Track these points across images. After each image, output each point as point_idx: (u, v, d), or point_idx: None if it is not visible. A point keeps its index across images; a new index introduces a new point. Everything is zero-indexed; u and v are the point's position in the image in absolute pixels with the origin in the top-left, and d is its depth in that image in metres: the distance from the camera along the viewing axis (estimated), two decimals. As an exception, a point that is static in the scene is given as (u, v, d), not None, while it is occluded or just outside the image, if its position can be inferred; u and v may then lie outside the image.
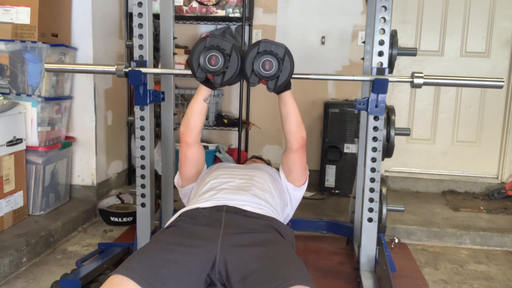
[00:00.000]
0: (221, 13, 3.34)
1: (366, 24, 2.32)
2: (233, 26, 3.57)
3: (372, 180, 1.91)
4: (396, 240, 2.71)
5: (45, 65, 1.92)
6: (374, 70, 1.84)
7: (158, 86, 2.33)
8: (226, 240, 1.37)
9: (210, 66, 1.47)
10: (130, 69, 1.86)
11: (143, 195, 2.04)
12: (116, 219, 2.82)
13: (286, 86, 1.65)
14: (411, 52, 2.10)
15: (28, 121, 2.54)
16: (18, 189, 2.48)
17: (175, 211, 2.23)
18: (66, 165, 2.86)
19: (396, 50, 1.99)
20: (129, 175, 3.49)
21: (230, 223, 1.46)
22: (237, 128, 3.45)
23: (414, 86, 1.76)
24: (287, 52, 1.52)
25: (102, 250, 2.32)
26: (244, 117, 3.62)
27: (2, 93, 2.50)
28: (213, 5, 3.34)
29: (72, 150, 2.91)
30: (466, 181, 3.55)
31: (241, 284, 1.26)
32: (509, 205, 3.22)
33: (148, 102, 1.94)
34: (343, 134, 3.30)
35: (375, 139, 1.87)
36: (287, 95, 1.67)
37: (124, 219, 2.81)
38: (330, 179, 3.36)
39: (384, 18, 1.82)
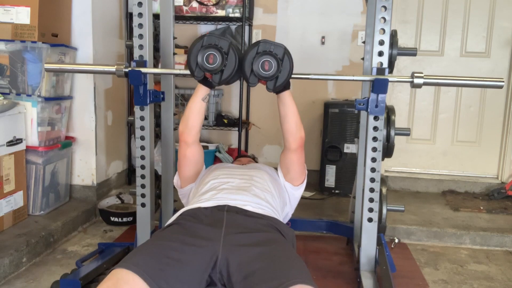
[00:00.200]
0: (221, 13, 3.34)
1: (366, 24, 2.32)
2: (233, 26, 3.57)
3: (372, 180, 1.91)
4: (396, 240, 2.71)
5: (45, 65, 1.92)
6: (374, 70, 1.84)
7: (158, 86, 2.33)
8: (228, 239, 1.37)
9: (208, 65, 1.47)
10: (130, 69, 1.86)
11: (143, 195, 2.04)
12: (116, 219, 2.82)
13: (285, 86, 1.65)
14: (411, 52, 2.10)
15: (28, 121, 2.54)
16: (18, 189, 2.48)
17: (175, 211, 2.24)
18: (66, 165, 2.86)
19: (396, 50, 1.98)
20: (129, 175, 3.49)
21: (231, 222, 1.46)
22: (237, 128, 3.45)
23: (414, 86, 1.76)
24: (286, 52, 1.52)
25: (102, 250, 2.32)
26: (244, 117, 3.62)
27: (2, 93, 2.50)
28: (213, 5, 3.34)
29: (72, 150, 2.91)
30: (466, 181, 3.55)
31: (243, 284, 1.26)
32: (509, 205, 3.22)
33: (148, 102, 1.94)
34: (343, 134, 3.30)
35: (375, 139, 1.87)
36: (286, 95, 1.68)
37: (124, 219, 2.81)
38: (330, 179, 3.36)
39: (384, 18, 1.82)
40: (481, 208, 3.15)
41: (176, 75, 3.05)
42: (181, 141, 1.74)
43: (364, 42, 2.31)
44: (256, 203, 1.60)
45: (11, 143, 2.41)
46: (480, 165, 3.60)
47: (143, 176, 2.02)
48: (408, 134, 2.16)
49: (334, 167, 3.34)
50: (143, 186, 2.02)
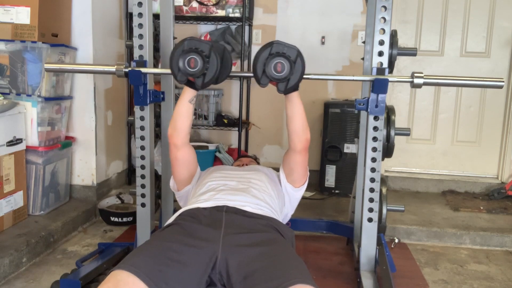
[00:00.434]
0: (221, 13, 3.34)
1: (366, 24, 2.32)
2: (233, 26, 3.57)
3: (372, 180, 1.91)
4: (396, 240, 2.71)
5: (45, 65, 1.92)
6: (374, 70, 1.84)
7: (158, 86, 2.33)
8: (227, 240, 1.37)
9: (189, 69, 1.47)
10: (130, 69, 1.86)
11: (143, 195, 2.04)
12: (116, 219, 2.82)
13: (294, 88, 1.65)
14: (411, 52, 2.10)
15: (28, 121, 2.54)
16: (18, 189, 2.48)
17: (175, 211, 2.23)
18: (66, 165, 2.86)
19: (396, 50, 1.98)
20: (129, 175, 3.49)
21: (230, 223, 1.46)
22: (237, 128, 3.45)
23: (414, 86, 1.76)
24: (299, 54, 1.52)
25: (102, 250, 2.32)
26: (244, 117, 3.62)
27: (2, 93, 2.50)
28: (213, 5, 3.34)
29: (72, 150, 2.91)
30: (466, 181, 3.55)
31: (242, 284, 1.26)
32: (509, 205, 3.22)
33: (148, 102, 1.94)
34: (343, 134, 3.30)
35: (375, 139, 1.87)
36: (294, 95, 1.66)
37: (124, 219, 2.81)
38: (330, 179, 3.36)
39: (384, 18, 1.82)
40: (481, 208, 3.15)
41: (176, 75, 3.05)
42: (170, 144, 1.73)
43: (364, 42, 2.31)
44: (255, 203, 1.60)
45: (11, 143, 2.41)
46: (480, 165, 3.60)
47: (143, 176, 2.02)
48: (408, 134, 2.15)
49: (334, 167, 3.34)
50: (143, 186, 2.02)
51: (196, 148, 3.52)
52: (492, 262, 2.52)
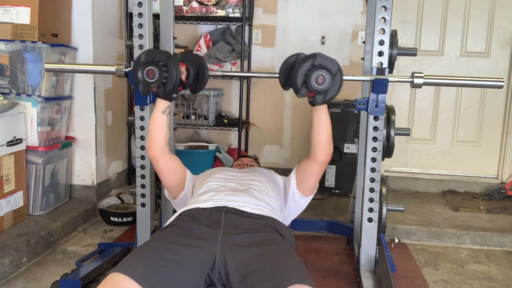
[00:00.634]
0: (221, 13, 3.34)
1: (366, 24, 2.32)
2: (233, 26, 3.57)
3: (372, 180, 1.91)
4: (396, 240, 2.71)
5: (45, 65, 1.92)
6: (374, 70, 1.84)
7: (158, 86, 2.33)
8: (226, 240, 1.37)
9: (148, 80, 1.49)
10: (130, 69, 1.86)
11: (143, 195, 2.04)
12: (116, 219, 2.82)
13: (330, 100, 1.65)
14: (411, 52, 2.10)
15: (28, 121, 2.54)
16: (18, 189, 2.48)
17: (174, 211, 2.23)
18: (66, 165, 2.86)
19: (396, 50, 1.98)
20: (129, 175, 3.48)
21: (229, 223, 1.46)
22: (237, 128, 3.45)
23: (414, 86, 1.76)
24: (339, 69, 1.52)
25: (102, 250, 2.32)
26: (244, 117, 3.62)
27: (2, 93, 2.50)
28: (213, 5, 3.34)
29: (72, 150, 2.91)
30: (466, 181, 3.55)
31: (241, 284, 1.26)
32: (509, 205, 3.22)
33: (148, 102, 1.94)
34: (343, 134, 3.29)
35: (375, 139, 1.87)
36: (323, 107, 1.65)
37: (124, 219, 2.81)
38: (330, 179, 3.36)
39: (384, 18, 1.82)
40: (481, 208, 3.14)
41: (176, 75, 3.05)
42: (149, 156, 1.71)
43: (364, 42, 2.31)
44: (255, 204, 1.60)
45: (11, 143, 2.41)
46: (480, 165, 3.59)
47: (143, 176, 2.02)
48: (408, 134, 2.15)
49: (334, 167, 3.33)
50: (143, 186, 2.02)
51: (196, 148, 3.55)
52: (492, 262, 2.52)
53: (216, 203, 1.57)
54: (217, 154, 3.47)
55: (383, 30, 1.83)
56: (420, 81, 1.74)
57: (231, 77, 3.38)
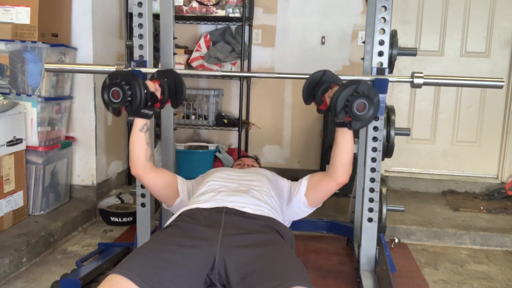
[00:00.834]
0: (221, 13, 3.34)
1: (366, 24, 2.32)
2: (233, 26, 3.56)
3: (372, 180, 1.91)
4: (396, 240, 2.71)
5: (45, 65, 1.93)
6: (374, 70, 1.84)
7: (158, 86, 2.33)
8: (226, 240, 1.37)
9: (114, 100, 1.53)
10: (130, 69, 1.86)
11: (143, 195, 2.04)
12: (116, 219, 2.82)
13: None
14: (411, 52, 2.10)
15: (28, 121, 2.54)
16: (18, 189, 2.48)
17: (175, 211, 2.23)
18: (66, 165, 2.86)
19: (396, 50, 1.99)
20: (129, 175, 3.48)
21: (229, 224, 1.46)
22: (237, 128, 3.45)
23: (414, 86, 1.76)
24: (378, 98, 1.54)
25: (102, 250, 2.32)
26: (244, 117, 3.62)
27: (2, 93, 2.50)
28: (213, 5, 3.34)
29: (72, 150, 2.91)
30: (466, 181, 3.55)
31: (241, 285, 1.26)
32: (509, 205, 3.22)
33: (148, 102, 1.93)
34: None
35: (375, 139, 1.87)
36: (349, 131, 1.66)
37: (124, 219, 2.81)
38: (330, 179, 3.35)
39: (384, 18, 1.82)
40: (481, 208, 3.15)
41: (176, 75, 3.04)
42: (134, 174, 1.73)
43: (364, 42, 2.31)
44: (255, 204, 1.60)
45: (11, 143, 2.41)
46: (480, 165, 3.59)
47: (143, 176, 2.02)
48: (408, 134, 2.16)
49: (334, 167, 3.33)
50: (143, 186, 2.02)
51: (196, 148, 3.55)
52: (492, 262, 2.52)
53: (216, 203, 1.57)
54: (217, 154, 3.47)
55: (383, 30, 1.83)
56: (420, 81, 1.74)
57: (231, 77, 3.38)
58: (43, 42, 2.51)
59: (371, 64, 1.86)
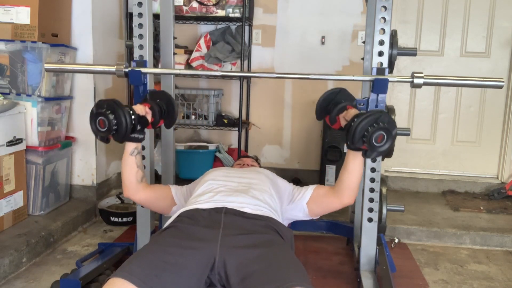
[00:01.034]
0: (221, 13, 3.34)
1: (366, 24, 2.32)
2: (233, 26, 3.56)
3: (372, 180, 1.91)
4: (396, 240, 2.71)
5: (45, 65, 1.92)
6: (374, 70, 1.84)
7: (158, 86, 2.33)
8: (226, 241, 1.37)
9: (101, 129, 1.56)
10: (130, 69, 1.86)
11: (143, 195, 2.03)
12: (116, 219, 2.82)
13: None
14: (411, 52, 2.10)
15: (28, 121, 2.54)
16: (18, 189, 2.48)
17: (175, 211, 2.23)
18: (66, 165, 2.86)
19: (396, 50, 1.99)
20: (129, 175, 3.48)
21: (229, 224, 1.46)
22: (237, 128, 3.45)
23: (414, 86, 1.76)
24: (396, 130, 1.55)
25: (102, 250, 2.32)
26: (244, 117, 3.62)
27: (2, 93, 2.50)
28: (213, 5, 3.34)
29: (72, 150, 2.91)
30: (466, 181, 3.55)
31: (241, 286, 1.26)
32: (509, 205, 3.23)
33: (148, 102, 1.93)
34: (343, 134, 3.28)
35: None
36: (360, 153, 1.66)
37: (124, 219, 2.81)
38: (330, 179, 3.36)
39: (384, 18, 1.83)
40: (481, 208, 3.15)
41: (176, 75, 3.05)
42: (127, 196, 1.77)
43: (364, 42, 2.31)
44: (255, 204, 1.60)
45: (11, 143, 2.41)
46: (480, 165, 3.59)
47: (143, 176, 2.02)
48: (408, 134, 2.16)
49: (334, 167, 3.33)
50: (143, 186, 2.02)
51: (196, 148, 3.55)
52: (492, 262, 2.52)
53: (215, 203, 1.57)
54: (217, 154, 3.47)
55: (383, 30, 1.83)
56: (420, 81, 1.74)
57: (231, 77, 3.38)
58: (43, 42, 2.51)
59: (371, 64, 1.86)
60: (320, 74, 1.88)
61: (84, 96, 2.89)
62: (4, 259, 2.08)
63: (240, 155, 3.42)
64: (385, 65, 1.84)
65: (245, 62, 3.55)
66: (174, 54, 2.25)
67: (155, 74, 2.07)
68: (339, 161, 3.31)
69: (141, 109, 1.65)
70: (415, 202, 3.28)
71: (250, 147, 3.73)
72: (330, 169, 3.35)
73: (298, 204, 1.78)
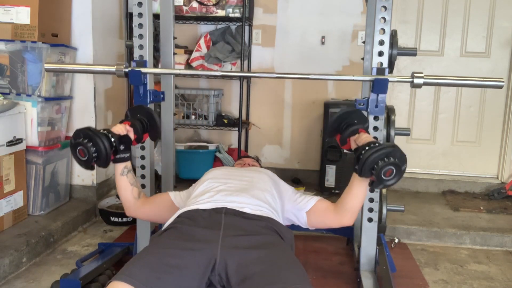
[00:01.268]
0: (221, 13, 3.34)
1: (366, 24, 2.32)
2: (233, 26, 3.57)
3: (372, 180, 1.91)
4: (396, 240, 2.71)
5: (45, 65, 1.93)
6: (374, 70, 1.84)
7: (158, 86, 2.33)
8: (226, 242, 1.37)
9: (82, 158, 1.56)
10: (130, 69, 1.86)
11: (143, 195, 2.03)
12: (116, 219, 2.82)
13: None
14: (411, 52, 2.10)
15: (28, 121, 2.54)
16: (18, 189, 2.48)
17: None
18: (66, 165, 2.86)
19: (396, 50, 1.99)
20: (129, 175, 3.48)
21: (229, 225, 1.45)
22: (237, 128, 3.45)
23: (414, 86, 1.76)
24: (406, 166, 1.55)
25: (102, 250, 2.32)
26: (244, 117, 3.62)
27: (2, 93, 2.50)
28: (213, 5, 3.34)
29: (72, 150, 2.91)
30: (466, 181, 3.55)
31: (241, 287, 1.26)
32: (509, 205, 3.22)
33: (148, 102, 1.94)
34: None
35: (375, 139, 1.87)
36: (367, 180, 1.66)
37: (124, 219, 2.81)
38: (330, 179, 3.36)
39: (384, 18, 1.83)
40: (481, 208, 3.15)
41: (176, 75, 3.05)
42: (129, 214, 1.79)
43: (364, 42, 2.31)
44: (255, 204, 1.59)
45: (11, 143, 2.41)
46: (480, 165, 3.60)
47: (143, 176, 2.03)
48: (408, 134, 2.16)
49: (334, 167, 3.33)
50: (143, 186, 2.02)
51: (196, 148, 3.55)
52: (492, 262, 2.52)
53: (215, 204, 1.56)
54: (217, 154, 3.47)
55: (383, 30, 1.83)
56: (420, 81, 1.74)
57: (231, 77, 3.38)
58: (43, 42, 2.51)
59: (371, 64, 1.86)
60: (320, 74, 1.88)
61: (84, 96, 2.89)
62: (4, 259, 2.08)
63: (240, 155, 3.42)
64: (385, 65, 1.84)
65: (245, 62, 3.55)
66: (174, 54, 2.26)
67: (155, 74, 2.07)
68: (339, 161, 3.32)
69: (121, 128, 1.64)
70: (415, 202, 3.28)
71: (250, 147, 3.73)
72: (330, 169, 3.35)
73: (299, 210, 1.78)
